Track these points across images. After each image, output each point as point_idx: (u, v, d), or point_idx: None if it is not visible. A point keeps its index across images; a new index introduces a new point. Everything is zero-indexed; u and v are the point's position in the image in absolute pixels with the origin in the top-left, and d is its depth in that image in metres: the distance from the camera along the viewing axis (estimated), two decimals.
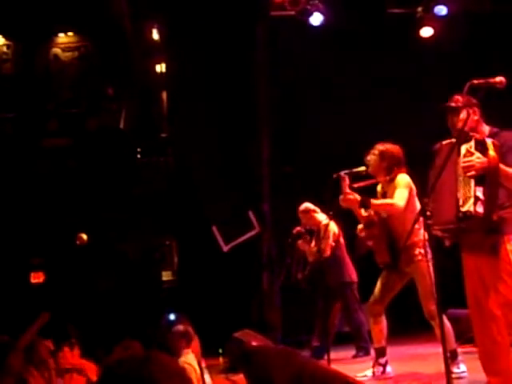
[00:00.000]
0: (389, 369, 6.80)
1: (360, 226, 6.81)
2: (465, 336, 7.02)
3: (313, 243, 8.63)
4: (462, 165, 4.78)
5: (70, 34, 13.33)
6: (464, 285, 5.13)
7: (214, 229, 11.03)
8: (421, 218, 4.76)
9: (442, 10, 10.44)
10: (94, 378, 6.60)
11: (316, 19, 10.50)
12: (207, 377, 7.48)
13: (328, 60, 11.22)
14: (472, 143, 4.80)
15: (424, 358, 7.62)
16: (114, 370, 2.14)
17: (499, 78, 4.74)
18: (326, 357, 7.02)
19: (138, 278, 11.80)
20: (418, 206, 6.14)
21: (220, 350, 8.98)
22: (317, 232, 8.49)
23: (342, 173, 6.58)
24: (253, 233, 11.04)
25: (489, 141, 4.79)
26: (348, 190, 6.53)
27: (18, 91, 13.04)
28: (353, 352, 8.64)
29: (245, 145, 11.19)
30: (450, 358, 5.53)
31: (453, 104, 5.04)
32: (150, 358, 2.15)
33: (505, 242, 4.86)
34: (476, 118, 4.98)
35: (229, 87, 11.10)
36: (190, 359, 5.95)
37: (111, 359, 4.84)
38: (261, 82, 11.16)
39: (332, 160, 8.54)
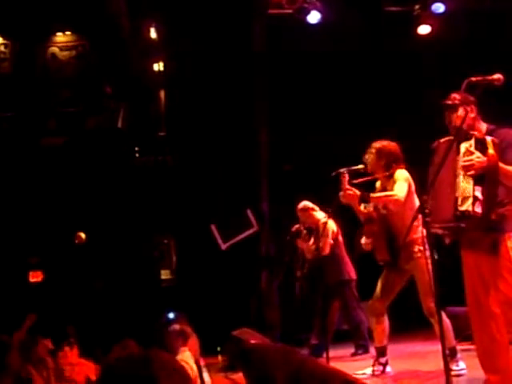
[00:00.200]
0: (388, 368, 6.80)
1: (364, 240, 6.80)
2: (463, 333, 7.02)
3: (311, 241, 8.63)
4: (462, 164, 4.77)
5: (67, 33, 13.30)
6: (463, 282, 5.13)
7: (213, 227, 11.04)
8: (419, 215, 4.76)
9: (439, 7, 10.44)
10: (93, 377, 6.61)
11: (313, 17, 10.51)
12: (206, 375, 7.48)
13: (325, 58, 11.22)
14: (472, 142, 4.79)
15: (423, 355, 7.62)
16: (114, 369, 2.14)
17: (497, 76, 4.74)
18: (324, 355, 7.03)
19: (136, 276, 11.79)
20: (417, 202, 6.14)
21: (219, 349, 8.98)
22: (315, 230, 8.49)
23: (344, 169, 6.60)
24: (251, 231, 11.04)
25: (489, 139, 4.79)
26: (348, 186, 6.54)
27: (15, 90, 13.03)
28: (352, 350, 8.65)
29: (243, 143, 11.20)
30: (449, 356, 5.52)
31: (450, 102, 5.05)
32: (150, 356, 2.16)
33: (505, 239, 4.86)
34: (473, 115, 4.98)
35: (227, 86, 11.11)
36: (186, 357, 5.96)
37: (110, 358, 4.85)
38: (258, 81, 11.16)
39: (330, 159, 8.55)
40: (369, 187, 6.83)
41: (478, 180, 4.73)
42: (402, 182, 6.51)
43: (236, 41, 11.01)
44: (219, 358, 8.88)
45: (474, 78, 4.72)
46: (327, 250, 8.43)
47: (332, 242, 8.55)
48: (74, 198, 12.00)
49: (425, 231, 5.20)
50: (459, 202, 4.76)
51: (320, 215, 8.52)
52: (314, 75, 11.36)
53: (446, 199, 4.86)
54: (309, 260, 8.70)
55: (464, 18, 10.70)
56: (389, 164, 6.64)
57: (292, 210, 8.82)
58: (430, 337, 6.78)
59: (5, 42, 13.34)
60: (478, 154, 4.74)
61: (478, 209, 4.70)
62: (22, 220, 12.03)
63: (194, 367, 6.05)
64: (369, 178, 6.79)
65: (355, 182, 6.66)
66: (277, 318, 10.65)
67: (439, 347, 4.61)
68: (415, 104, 10.75)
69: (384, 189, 6.72)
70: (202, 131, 11.47)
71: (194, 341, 6.50)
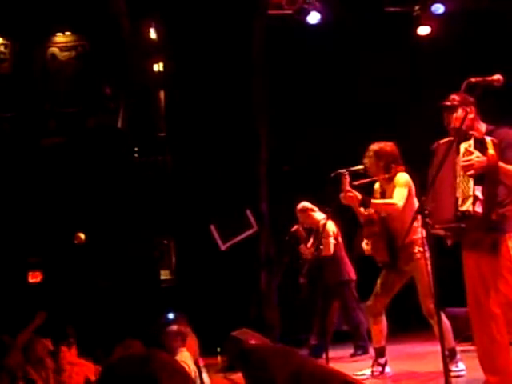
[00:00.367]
0: (388, 369, 6.80)
1: (365, 242, 6.81)
2: (463, 334, 7.02)
3: (310, 242, 8.64)
4: (462, 164, 4.78)
5: (67, 33, 13.29)
6: (462, 283, 5.13)
7: (212, 228, 11.04)
8: (419, 216, 4.77)
9: (439, 8, 10.45)
10: (92, 378, 6.62)
11: (313, 18, 10.51)
12: (205, 376, 7.48)
13: (325, 58, 11.23)
14: (471, 142, 4.80)
15: (422, 356, 7.63)
16: (115, 369, 2.14)
17: (496, 76, 4.75)
18: (324, 355, 7.02)
19: (136, 277, 11.79)
20: (417, 204, 6.14)
21: (218, 349, 8.99)
22: (315, 231, 8.49)
23: (343, 170, 6.60)
24: (251, 232, 11.04)
25: (488, 139, 4.80)
26: (349, 188, 6.55)
27: (15, 90, 13.02)
28: (351, 350, 8.65)
29: (243, 144, 11.19)
30: (449, 357, 5.53)
31: (449, 103, 5.05)
32: (151, 356, 2.16)
33: (506, 239, 4.87)
34: (472, 116, 4.99)
35: (226, 86, 11.10)
36: (185, 357, 5.97)
37: (112, 358, 4.85)
38: (258, 81, 11.16)
39: (330, 159, 8.56)
40: (369, 189, 6.84)
41: (477, 180, 4.74)
42: (401, 189, 6.51)
43: (236, 41, 11.01)
44: (219, 358, 8.89)
45: (473, 79, 4.73)
46: (331, 250, 8.44)
47: (335, 241, 8.56)
48: (73, 199, 11.99)
49: (424, 232, 5.20)
50: (459, 202, 4.77)
51: (319, 216, 8.52)
52: (313, 75, 11.36)
53: (447, 200, 4.86)
54: (308, 260, 8.70)
55: (464, 19, 10.70)
56: (388, 165, 6.65)
57: (291, 211, 8.82)
58: (429, 338, 6.78)
59: (4, 42, 13.33)
60: (477, 153, 4.74)
61: (479, 208, 4.70)
62: (21, 220, 12.03)
63: (193, 367, 6.06)
64: (369, 180, 6.80)
65: (356, 183, 6.67)
66: (276, 319, 10.65)
67: (438, 348, 4.61)
68: (415, 105, 10.75)
69: (383, 191, 6.72)
70: (201, 131, 11.46)
71: (192, 341, 6.52)
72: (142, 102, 12.94)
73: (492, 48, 10.71)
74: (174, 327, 6.35)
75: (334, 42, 11.04)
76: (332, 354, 7.23)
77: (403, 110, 11.02)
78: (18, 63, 13.26)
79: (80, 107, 13.11)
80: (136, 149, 13.06)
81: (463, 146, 4.83)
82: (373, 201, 6.59)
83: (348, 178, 6.57)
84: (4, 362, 6.02)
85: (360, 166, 6.71)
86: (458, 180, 4.82)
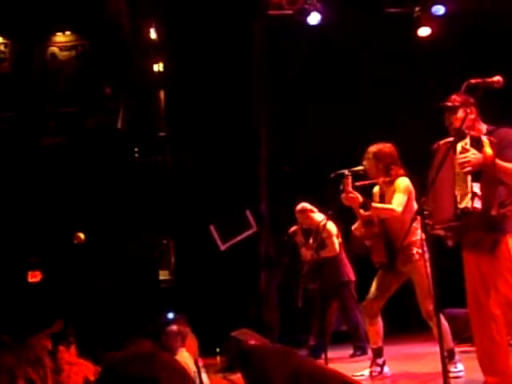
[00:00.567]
0: (386, 369, 6.80)
1: (355, 226, 6.81)
2: (462, 335, 7.03)
3: (310, 242, 8.63)
4: (458, 161, 4.79)
5: (67, 33, 13.29)
6: (461, 284, 5.13)
7: (212, 228, 11.03)
8: (418, 217, 4.77)
9: (439, 9, 10.46)
10: (92, 378, 6.61)
11: (314, 18, 10.51)
12: (205, 376, 7.48)
13: (325, 59, 11.23)
14: (467, 140, 4.82)
15: (421, 357, 7.63)
16: (116, 369, 2.14)
17: (497, 78, 4.75)
18: (323, 356, 7.02)
19: (135, 277, 11.78)
20: (416, 207, 6.15)
21: (218, 350, 8.98)
22: (314, 232, 8.49)
23: (344, 171, 6.61)
24: (250, 232, 11.04)
25: (484, 138, 4.81)
26: (350, 189, 6.55)
27: (15, 90, 13.01)
28: (350, 351, 8.65)
29: (242, 144, 11.19)
30: (448, 358, 5.54)
31: (450, 103, 5.06)
32: (152, 356, 2.15)
33: (506, 239, 4.87)
34: (473, 116, 5.00)
35: (226, 86, 11.10)
36: (184, 357, 5.97)
37: (115, 357, 4.85)
38: (258, 82, 11.16)
39: (330, 160, 8.56)
40: (369, 190, 6.85)
41: (475, 176, 4.75)
42: (400, 194, 6.51)
43: (236, 41, 11.01)
44: (218, 358, 8.88)
45: (473, 80, 4.74)
46: (337, 249, 8.47)
47: (340, 240, 8.57)
48: (73, 199, 11.99)
49: (423, 234, 5.20)
50: (458, 200, 4.78)
51: (319, 217, 8.51)
52: (313, 76, 11.36)
53: (447, 199, 4.87)
54: (307, 261, 8.70)
55: (464, 20, 10.70)
56: (387, 166, 6.66)
57: (291, 211, 8.82)
58: (428, 339, 6.77)
59: (4, 41, 13.32)
60: (473, 150, 4.76)
61: (478, 204, 4.71)
62: (21, 220, 12.02)
63: (193, 367, 6.06)
64: (371, 181, 6.81)
65: (357, 184, 6.68)
66: (276, 319, 10.65)
67: (437, 349, 4.61)
68: (415, 105, 10.75)
69: (382, 194, 6.73)
70: (201, 132, 11.46)
71: (192, 341, 6.52)
72: (141, 102, 12.93)
73: (492, 49, 10.71)
74: (174, 327, 6.35)
75: (334, 42, 11.03)
76: (331, 354, 7.23)
77: (403, 110, 11.01)
78: (17, 63, 13.25)
79: (80, 107, 13.10)
80: (136, 149, 13.05)
81: (460, 145, 4.85)
82: (373, 204, 6.60)
83: (350, 179, 6.58)
84: (3, 361, 6.01)
85: (360, 167, 6.71)
86: (456, 178, 4.83)
